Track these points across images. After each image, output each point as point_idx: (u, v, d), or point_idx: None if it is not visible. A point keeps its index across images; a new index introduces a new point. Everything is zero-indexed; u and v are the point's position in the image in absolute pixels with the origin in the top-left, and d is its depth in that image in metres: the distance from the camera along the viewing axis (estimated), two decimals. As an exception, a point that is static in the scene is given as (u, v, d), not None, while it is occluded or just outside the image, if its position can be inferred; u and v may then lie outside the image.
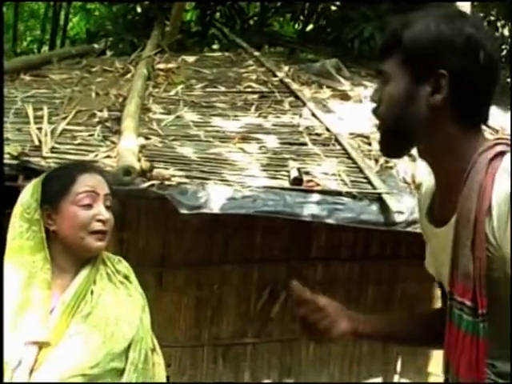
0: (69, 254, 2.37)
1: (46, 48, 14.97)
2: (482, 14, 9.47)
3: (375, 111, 1.86)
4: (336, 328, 2.01)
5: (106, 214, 2.37)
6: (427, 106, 1.76)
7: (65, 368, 2.24)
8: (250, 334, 6.01)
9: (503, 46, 9.70)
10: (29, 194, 2.40)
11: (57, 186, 2.39)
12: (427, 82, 1.76)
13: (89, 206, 2.35)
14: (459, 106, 1.76)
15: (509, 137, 1.83)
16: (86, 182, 2.37)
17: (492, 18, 9.90)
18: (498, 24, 9.96)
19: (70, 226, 2.34)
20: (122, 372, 2.33)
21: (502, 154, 1.74)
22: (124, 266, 2.53)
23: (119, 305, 2.41)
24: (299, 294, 2.04)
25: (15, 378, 2.22)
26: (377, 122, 1.87)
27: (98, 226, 2.35)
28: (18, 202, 2.41)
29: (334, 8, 10.07)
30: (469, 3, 5.70)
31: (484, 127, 1.83)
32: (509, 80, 8.45)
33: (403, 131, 1.81)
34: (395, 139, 1.84)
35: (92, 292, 2.37)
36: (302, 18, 10.51)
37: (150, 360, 2.44)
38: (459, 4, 5.93)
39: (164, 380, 2.54)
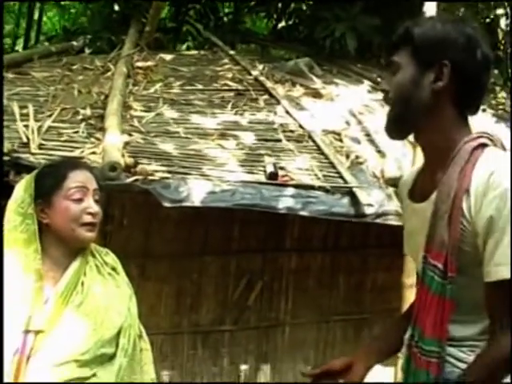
0: (61, 246, 2.49)
1: (20, 42, 14.98)
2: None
3: (385, 98, 2.14)
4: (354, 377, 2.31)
5: (96, 208, 2.50)
6: (430, 92, 2.04)
7: (58, 354, 2.35)
8: (228, 322, 6.19)
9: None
10: (22, 189, 2.49)
11: (50, 181, 2.48)
12: (431, 71, 2.03)
13: (80, 200, 2.46)
14: (457, 94, 2.04)
15: (490, 132, 2.12)
16: (77, 178, 2.49)
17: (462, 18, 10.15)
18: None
19: (63, 219, 2.45)
20: (111, 357, 2.45)
21: (483, 145, 2.02)
22: (111, 258, 2.64)
23: (108, 295, 2.50)
24: (312, 374, 2.38)
25: (12, 364, 2.33)
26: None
27: (88, 218, 2.47)
28: (12, 196, 2.51)
29: (305, 7, 10.24)
30: (434, 6, 5.90)
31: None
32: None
33: (409, 113, 2.07)
34: (401, 121, 2.11)
35: (83, 283, 2.47)
36: (275, 15, 10.69)
37: (138, 346, 2.55)
38: (426, 7, 6.16)
39: (151, 364, 2.65)
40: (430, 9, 5.91)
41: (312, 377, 2.38)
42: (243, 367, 6.17)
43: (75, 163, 2.68)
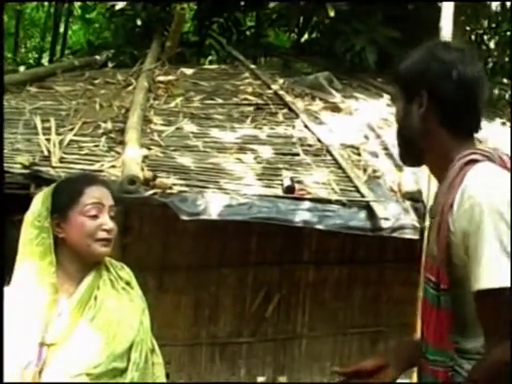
0: (76, 260, 2.52)
1: (45, 56, 15.19)
2: (468, 28, 9.78)
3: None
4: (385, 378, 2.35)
5: (111, 224, 2.52)
6: (417, 119, 2.20)
7: (70, 367, 2.39)
8: (245, 334, 6.23)
9: (489, 59, 9.98)
10: (39, 203, 2.52)
11: (66, 197, 2.50)
12: (415, 100, 2.20)
13: (95, 217, 2.49)
14: (442, 116, 2.17)
15: (489, 149, 2.20)
16: (93, 194, 2.51)
17: (479, 32, 10.18)
18: (485, 37, 10.24)
19: (78, 234, 2.47)
20: (122, 372, 2.45)
21: (474, 161, 2.10)
22: (126, 273, 2.66)
23: (121, 309, 2.52)
24: (343, 372, 2.42)
25: (25, 377, 2.37)
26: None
27: (103, 234, 2.50)
28: (29, 210, 2.54)
29: (326, 21, 10.28)
30: (451, 20, 5.94)
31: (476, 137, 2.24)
32: (496, 91, 8.69)
33: (409, 141, 2.25)
34: (406, 150, 2.30)
35: (96, 297, 2.49)
36: (296, 30, 10.75)
37: (150, 360, 2.57)
38: (443, 20, 6.20)
39: (164, 378, 2.66)
40: (446, 21, 5.96)
41: (343, 375, 2.42)
42: (260, 379, 6.21)
43: (92, 179, 2.70)
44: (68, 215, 2.49)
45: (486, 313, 1.99)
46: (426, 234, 2.42)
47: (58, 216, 2.50)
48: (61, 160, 5.36)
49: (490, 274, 1.95)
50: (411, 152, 2.27)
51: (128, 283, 2.64)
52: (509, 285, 1.93)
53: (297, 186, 5.47)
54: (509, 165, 2.15)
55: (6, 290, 2.52)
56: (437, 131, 2.19)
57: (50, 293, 2.46)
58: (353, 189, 5.70)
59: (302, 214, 5.27)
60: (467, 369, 2.07)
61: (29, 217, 2.53)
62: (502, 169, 2.11)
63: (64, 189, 2.57)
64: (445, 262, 2.07)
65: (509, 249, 1.95)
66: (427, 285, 2.14)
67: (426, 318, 2.18)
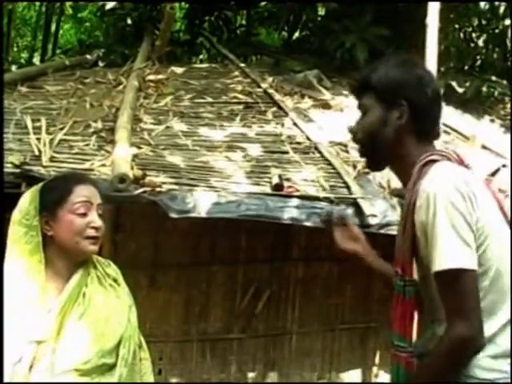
0: (64, 258, 2.57)
1: (37, 55, 15.20)
2: (457, 26, 9.85)
3: (354, 139, 2.49)
4: (354, 245, 2.85)
5: (99, 222, 2.58)
6: (394, 128, 2.38)
7: (60, 363, 2.44)
8: (236, 330, 6.27)
9: (477, 57, 10.04)
10: (27, 201, 2.57)
11: (55, 195, 2.56)
12: (394, 110, 2.38)
13: (84, 215, 2.54)
14: (415, 126, 2.38)
15: (446, 150, 2.47)
16: (82, 193, 2.57)
17: (468, 29, 10.25)
18: (474, 35, 10.30)
19: (67, 232, 2.53)
20: (111, 367, 2.52)
21: (432, 161, 2.33)
22: (113, 269, 2.73)
23: (109, 306, 2.58)
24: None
25: (15, 374, 2.42)
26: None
27: (91, 232, 2.56)
28: (16, 209, 2.59)
29: (317, 19, 10.33)
30: (437, 18, 6.01)
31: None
32: (484, 89, 8.73)
33: (379, 148, 2.41)
34: (374, 156, 2.46)
35: (84, 294, 2.55)
36: (286, 28, 10.80)
37: (138, 355, 2.65)
38: (429, 17, 6.26)
39: (151, 374, 2.73)
40: (432, 19, 6.03)
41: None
42: (251, 375, 6.26)
43: (80, 178, 2.76)
44: (57, 213, 2.54)
45: (443, 293, 2.21)
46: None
47: (46, 214, 2.54)
48: (51, 159, 5.37)
49: (444, 256, 2.16)
50: (381, 158, 2.46)
51: (115, 280, 2.70)
52: (463, 266, 2.16)
53: (285, 183, 5.49)
54: (466, 161, 2.41)
55: None
56: (408, 139, 2.39)
57: (38, 290, 2.50)
58: (342, 185, 5.72)
59: (290, 211, 5.28)
60: None
61: (16, 215, 2.57)
62: (458, 165, 2.36)
63: (53, 187, 2.62)
64: (409, 254, 2.30)
65: (463, 233, 2.17)
66: (396, 277, 2.35)
67: (393, 307, 2.37)
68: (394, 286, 2.36)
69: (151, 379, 2.73)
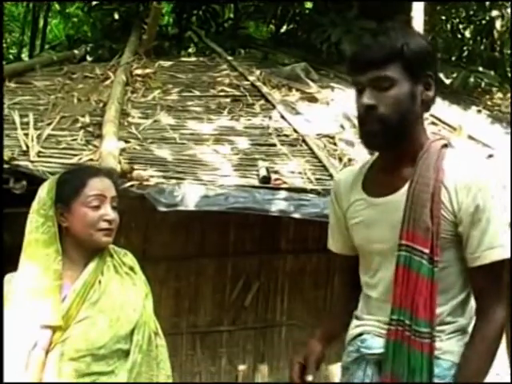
0: (79, 248, 2.62)
1: (25, 51, 15.16)
2: (443, 17, 9.88)
3: (374, 115, 2.23)
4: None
5: (112, 215, 2.62)
6: (421, 102, 2.27)
7: (75, 348, 2.51)
8: (225, 322, 6.29)
9: (464, 48, 10.08)
10: (45, 192, 2.64)
11: (70, 187, 2.62)
12: (421, 83, 2.26)
13: (97, 208, 2.59)
14: (432, 101, 2.31)
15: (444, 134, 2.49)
16: (96, 186, 2.61)
17: (455, 21, 10.29)
18: (460, 26, 10.34)
19: (81, 224, 2.59)
20: (127, 353, 2.58)
21: (445, 145, 2.32)
22: (129, 259, 2.78)
23: (124, 293, 2.63)
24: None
25: (31, 358, 2.48)
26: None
27: (104, 224, 2.60)
28: (35, 198, 2.67)
29: (304, 13, 10.37)
30: (422, 11, 6.04)
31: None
32: (471, 80, 8.77)
33: (406, 126, 2.26)
34: (396, 134, 2.25)
35: (100, 282, 2.61)
36: (273, 21, 10.82)
37: (154, 342, 2.67)
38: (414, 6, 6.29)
39: (167, 361, 2.76)
40: (417, 12, 6.06)
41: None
42: (241, 367, 6.27)
43: (95, 170, 2.81)
44: (71, 206, 2.60)
45: (492, 281, 2.23)
46: (402, 206, 2.30)
47: (61, 206, 2.61)
48: (39, 154, 5.38)
49: (504, 246, 2.20)
50: (398, 137, 2.26)
51: (131, 268, 2.75)
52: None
53: (273, 175, 5.52)
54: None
55: (12, 275, 2.65)
56: (422, 116, 2.33)
57: (54, 278, 2.56)
58: (328, 178, 5.73)
59: (278, 204, 5.30)
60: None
61: (34, 205, 2.65)
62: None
63: (68, 180, 2.67)
64: (437, 235, 2.23)
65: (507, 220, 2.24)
66: (419, 257, 2.24)
67: (412, 289, 2.25)
68: (413, 265, 2.25)
69: (167, 366, 2.76)
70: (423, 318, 2.22)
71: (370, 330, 2.40)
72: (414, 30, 2.46)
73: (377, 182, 2.39)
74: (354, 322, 2.49)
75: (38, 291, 2.54)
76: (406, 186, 2.28)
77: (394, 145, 2.29)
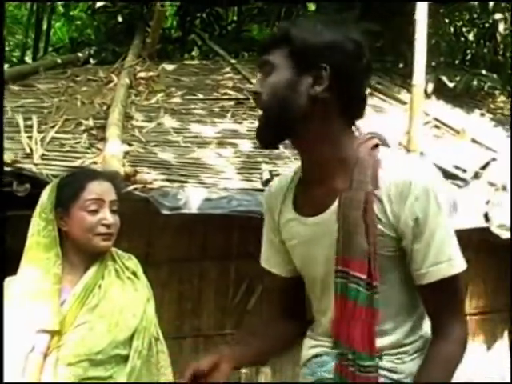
0: (79, 252, 2.60)
1: (29, 53, 15.17)
2: (447, 20, 9.87)
3: (256, 101, 1.99)
4: (220, 375, 2.09)
5: (111, 219, 2.61)
6: (307, 97, 1.89)
7: (73, 353, 2.48)
8: (228, 326, 6.24)
9: (467, 51, 10.07)
10: (46, 196, 2.63)
11: (68, 191, 2.61)
12: (309, 74, 1.89)
13: (95, 212, 2.57)
14: (339, 99, 1.91)
15: (373, 132, 2.04)
16: (94, 190, 2.59)
17: (458, 24, 10.28)
18: (464, 29, 10.33)
19: (79, 229, 2.57)
20: (126, 358, 2.55)
21: (377, 146, 1.97)
22: (133, 263, 2.76)
23: (125, 298, 2.61)
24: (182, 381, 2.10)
25: (28, 362, 2.46)
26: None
27: (103, 229, 2.58)
28: (38, 202, 2.66)
29: (308, 15, 10.35)
30: (426, 13, 6.02)
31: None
32: (474, 83, 8.76)
33: (283, 119, 1.92)
34: (274, 127, 1.94)
35: (100, 286, 2.59)
36: (277, 24, 10.79)
37: (154, 348, 2.66)
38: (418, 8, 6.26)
39: (169, 367, 2.75)
40: (421, 15, 6.05)
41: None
42: (244, 370, 6.23)
43: (94, 174, 2.78)
44: (70, 210, 2.59)
45: (447, 297, 1.94)
46: (336, 227, 1.97)
47: (61, 210, 2.60)
48: (42, 157, 5.39)
49: (456, 258, 1.92)
50: (277, 131, 1.96)
51: (134, 273, 2.73)
52: (464, 267, 1.93)
53: (275, 179, 5.50)
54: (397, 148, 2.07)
55: (12, 279, 2.64)
56: (328, 116, 1.93)
57: (54, 282, 2.55)
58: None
59: (281, 207, 5.29)
60: (389, 368, 1.98)
61: (37, 208, 2.64)
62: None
63: (67, 183, 2.66)
64: (375, 256, 1.91)
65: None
66: (355, 284, 1.93)
67: (348, 320, 1.96)
68: (350, 293, 1.95)
69: (169, 372, 2.74)
70: (363, 350, 1.94)
71: (328, 352, 2.07)
72: (342, 22, 2.02)
73: (307, 197, 2.06)
74: (309, 342, 2.19)
75: (36, 294, 2.53)
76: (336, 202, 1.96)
77: (274, 141, 2.01)
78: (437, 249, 1.89)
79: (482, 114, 8.29)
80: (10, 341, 2.49)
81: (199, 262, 6.12)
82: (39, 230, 2.60)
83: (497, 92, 9.12)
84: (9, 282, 2.64)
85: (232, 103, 7.15)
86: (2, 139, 5.00)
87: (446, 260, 1.90)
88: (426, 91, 7.01)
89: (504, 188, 5.91)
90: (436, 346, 1.96)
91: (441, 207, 1.89)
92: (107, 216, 2.60)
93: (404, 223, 1.89)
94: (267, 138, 2.00)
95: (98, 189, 2.61)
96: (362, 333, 1.94)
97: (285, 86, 1.92)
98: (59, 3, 14.01)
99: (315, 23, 1.96)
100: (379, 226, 1.90)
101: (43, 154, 5.44)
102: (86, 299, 2.56)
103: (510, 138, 6.85)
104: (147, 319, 2.64)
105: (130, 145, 5.78)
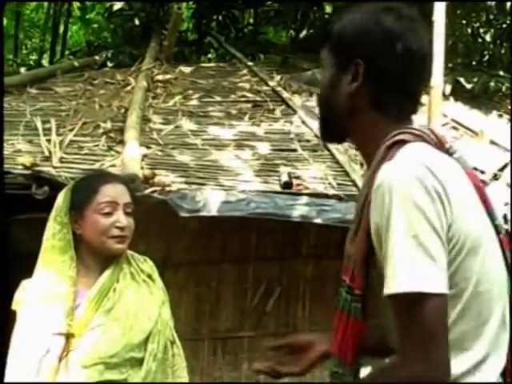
0: (94, 255, 2.62)
1: (46, 57, 15.23)
2: (464, 21, 9.83)
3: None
4: (307, 359, 2.05)
5: (125, 221, 2.61)
6: (347, 94, 1.80)
7: (88, 356, 2.49)
8: (246, 328, 6.26)
9: (485, 52, 10.03)
10: (61, 199, 2.65)
11: (82, 195, 2.63)
12: (348, 70, 1.80)
13: (109, 214, 2.58)
14: (375, 94, 1.79)
15: (421, 128, 1.81)
16: (108, 193, 2.61)
17: (475, 25, 10.24)
18: (481, 30, 10.29)
19: (93, 232, 2.59)
20: (141, 362, 2.56)
21: (401, 142, 1.72)
22: (148, 266, 2.78)
23: (140, 301, 2.62)
24: (275, 346, 2.15)
25: (42, 365, 2.47)
26: None
27: (116, 232, 2.60)
28: (54, 205, 2.68)
29: (324, 17, 10.34)
30: (444, 14, 5.99)
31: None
32: (492, 84, 8.71)
33: (332, 116, 1.86)
34: (327, 125, 1.91)
35: (115, 289, 2.60)
36: (293, 26, 10.81)
37: (170, 351, 2.67)
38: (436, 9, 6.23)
39: (184, 370, 2.75)
40: (439, 15, 6.02)
41: (274, 349, 2.18)
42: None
43: (108, 177, 2.80)
44: (84, 213, 2.60)
45: (397, 322, 1.63)
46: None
47: (75, 213, 2.61)
48: (61, 160, 5.43)
49: (399, 275, 1.58)
50: (331, 129, 1.91)
51: (149, 276, 2.74)
52: (423, 289, 1.56)
53: (294, 181, 5.52)
54: (447, 144, 1.81)
55: (28, 282, 2.65)
56: (367, 110, 1.81)
57: (69, 285, 2.56)
58: (350, 183, 5.74)
59: (299, 209, 5.29)
60: None
61: (52, 212, 2.66)
62: (435, 149, 1.76)
63: (81, 187, 2.68)
64: (361, 263, 1.73)
65: (427, 243, 1.58)
66: (342, 287, 1.80)
67: (336, 325, 1.82)
68: (338, 297, 1.81)
69: (184, 374, 2.75)
70: (336, 356, 1.81)
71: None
72: (380, 10, 1.82)
73: None
74: None
75: (52, 297, 2.54)
76: None
77: (332, 137, 2.00)
78: (392, 263, 1.60)
79: (500, 116, 8.24)
80: (26, 343, 2.50)
81: (217, 265, 6.15)
82: (54, 233, 2.61)
83: (515, 93, 9.05)
84: (24, 284, 2.65)
85: (249, 105, 7.16)
86: (1, 139, 5.02)
87: (395, 276, 1.59)
88: (443, 93, 6.98)
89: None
90: (387, 369, 1.76)
91: (402, 214, 1.59)
92: (121, 218, 2.61)
93: (374, 229, 1.68)
94: (324, 135, 1.99)
95: (111, 191, 2.63)
96: (340, 338, 1.79)
97: (328, 84, 1.87)
98: (75, 6, 14.06)
99: (356, 13, 1.84)
100: (370, 231, 1.69)
101: (62, 157, 5.48)
102: (100, 302, 2.57)
103: (509, 135, 6.79)
104: (162, 322, 2.64)
105: (148, 147, 5.79)
